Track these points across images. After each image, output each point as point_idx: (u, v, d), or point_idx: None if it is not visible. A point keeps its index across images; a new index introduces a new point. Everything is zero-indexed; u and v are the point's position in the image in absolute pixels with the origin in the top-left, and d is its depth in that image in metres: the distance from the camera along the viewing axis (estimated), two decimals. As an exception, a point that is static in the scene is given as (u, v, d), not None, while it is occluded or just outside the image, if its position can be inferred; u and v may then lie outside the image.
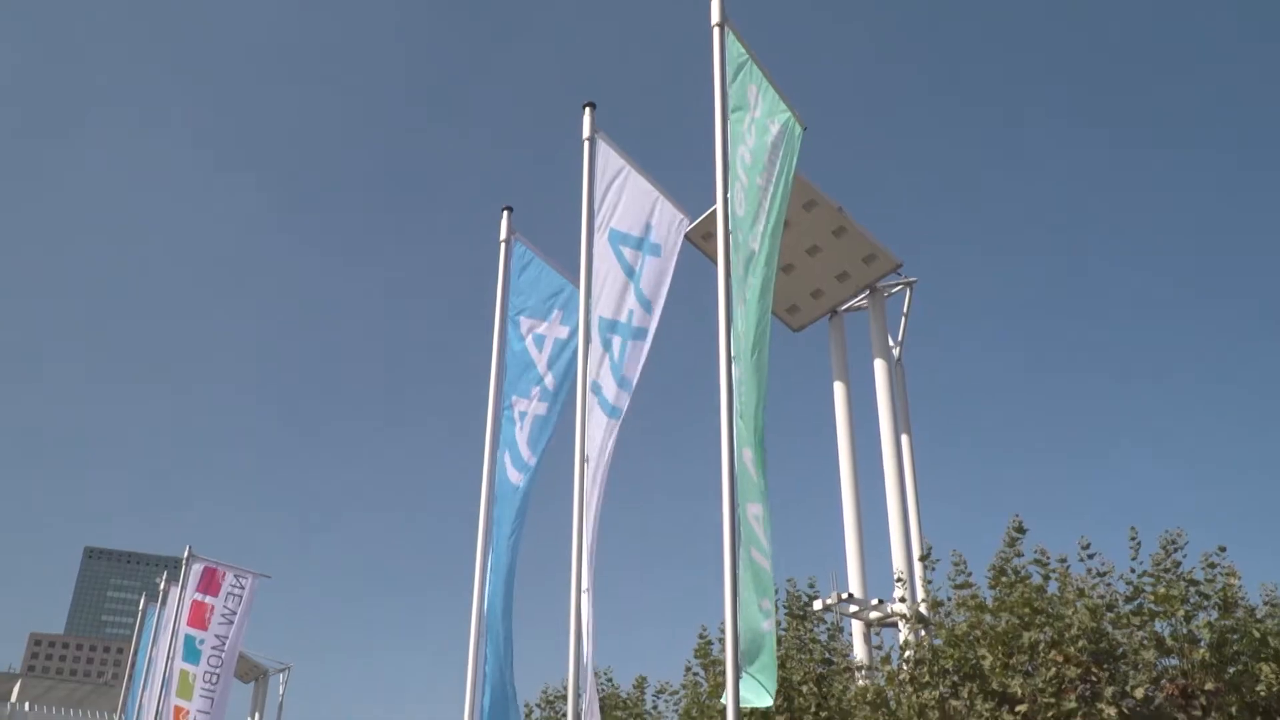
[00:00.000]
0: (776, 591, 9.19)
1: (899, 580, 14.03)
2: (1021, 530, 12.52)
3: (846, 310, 16.17)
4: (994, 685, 11.36)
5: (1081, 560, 12.10)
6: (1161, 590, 10.97)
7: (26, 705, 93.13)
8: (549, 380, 10.57)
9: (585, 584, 9.19)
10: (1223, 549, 11.25)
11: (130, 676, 23.27)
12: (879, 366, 15.16)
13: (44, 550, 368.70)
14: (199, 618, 19.26)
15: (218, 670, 19.18)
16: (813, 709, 15.65)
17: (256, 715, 56.77)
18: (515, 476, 10.64)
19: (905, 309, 15.73)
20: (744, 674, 7.75)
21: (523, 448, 10.62)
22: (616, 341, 9.59)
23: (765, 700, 7.43)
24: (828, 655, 16.80)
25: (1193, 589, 11.01)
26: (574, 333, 10.36)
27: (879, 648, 14.15)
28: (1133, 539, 11.55)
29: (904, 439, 14.98)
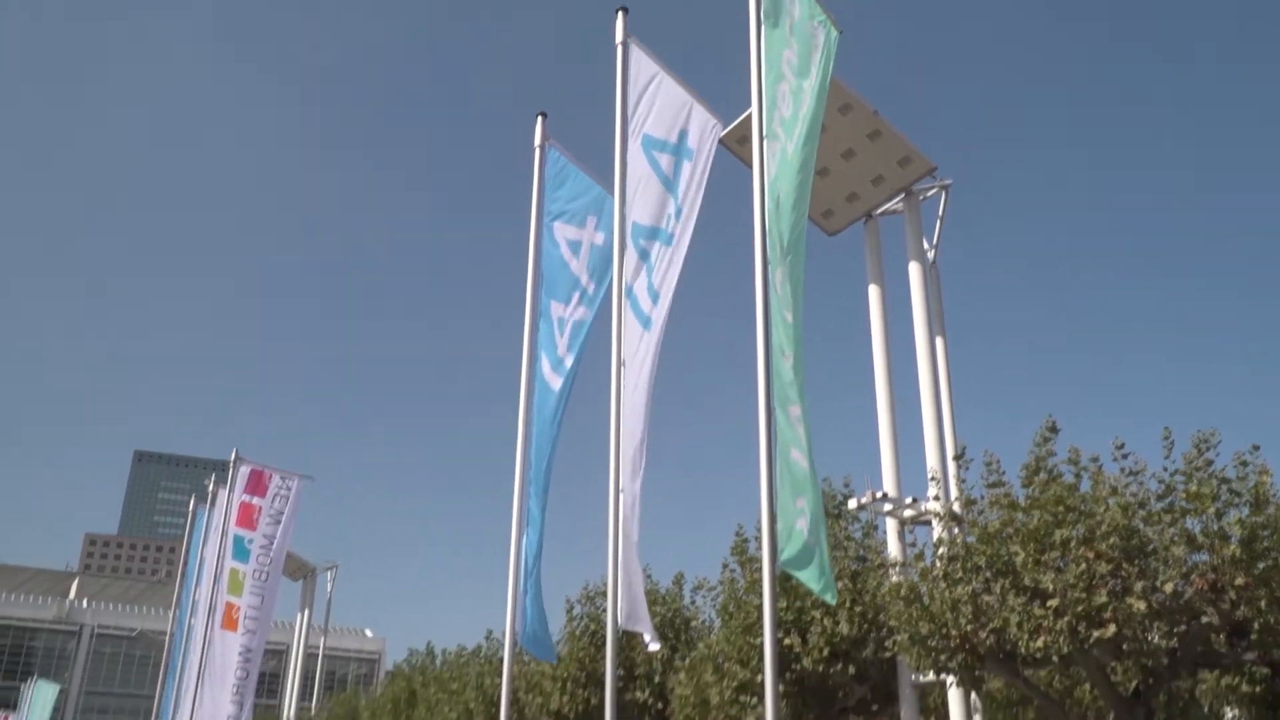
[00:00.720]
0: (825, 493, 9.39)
1: (933, 480, 14.20)
2: (1055, 430, 12.59)
3: (881, 214, 16.06)
4: (1026, 581, 11.57)
5: (1115, 460, 12.18)
6: (1193, 488, 11.06)
7: (85, 601, 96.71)
8: (587, 286, 10.67)
9: (624, 484, 9.42)
10: (1256, 448, 11.29)
11: (183, 574, 24.11)
12: (913, 270, 15.10)
13: (95, 454, 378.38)
14: (247, 518, 19.86)
15: (266, 568, 19.84)
16: (848, 604, 16.01)
17: (306, 611, 58.72)
18: (553, 380, 10.82)
19: (940, 212, 15.60)
20: (795, 575, 7.98)
21: (560, 352, 10.77)
22: (651, 248, 9.64)
23: (829, 598, 7.73)
24: (862, 553, 17.12)
25: (1224, 487, 11.08)
26: (609, 239, 10.41)
27: (913, 545, 14.41)
28: (1166, 439, 11.60)
29: (938, 342, 15.01)
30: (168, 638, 23.65)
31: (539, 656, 10.69)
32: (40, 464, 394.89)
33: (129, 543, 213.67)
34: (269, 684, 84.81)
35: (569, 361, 10.67)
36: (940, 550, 12.80)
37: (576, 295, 10.74)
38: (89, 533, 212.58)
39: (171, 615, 24.34)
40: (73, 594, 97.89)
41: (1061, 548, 11.46)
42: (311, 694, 51.91)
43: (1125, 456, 12.03)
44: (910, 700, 14.19)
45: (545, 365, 10.94)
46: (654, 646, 9.41)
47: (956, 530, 13.07)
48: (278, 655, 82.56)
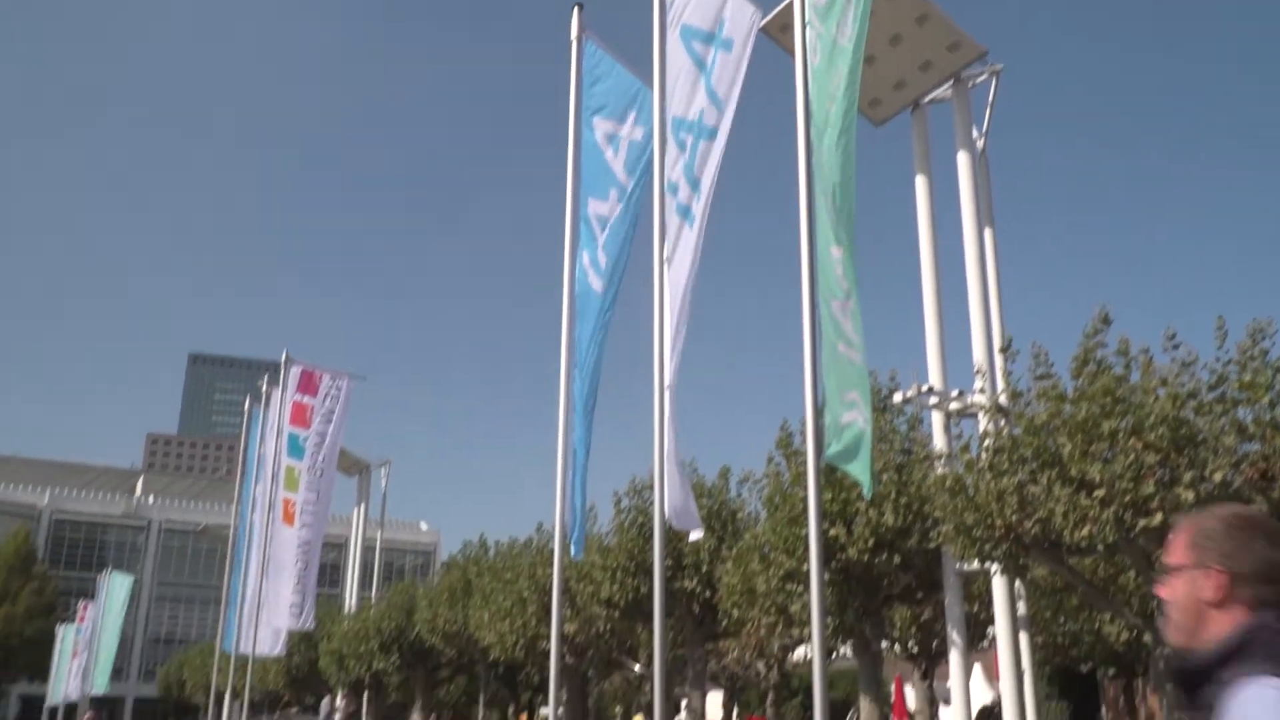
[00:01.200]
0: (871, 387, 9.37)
1: (979, 372, 14.11)
2: (1107, 321, 12.41)
3: (929, 102, 15.60)
4: (1072, 472, 11.56)
5: (1165, 350, 12.01)
6: (1247, 378, 10.90)
7: (151, 498, 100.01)
8: (625, 183, 10.55)
9: (668, 380, 9.47)
10: (1313, 336, 11.07)
11: (242, 472, 24.79)
12: (962, 159, 14.74)
13: (152, 357, 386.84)
14: (300, 417, 20.28)
15: (320, 465, 20.33)
16: (892, 495, 16.13)
17: (362, 505, 60.35)
18: (595, 280, 10.80)
19: (990, 99, 15.12)
20: (844, 469, 8.05)
21: (600, 251, 10.72)
22: (692, 141, 9.49)
23: (865, 490, 7.79)
24: (907, 445, 17.16)
25: (1279, 376, 10.91)
26: (649, 135, 10.25)
27: (958, 438, 14.39)
28: (1219, 328, 11.39)
29: (986, 233, 14.74)
30: (231, 532, 24.46)
31: (573, 556, 10.92)
32: (102, 367, 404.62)
33: (189, 441, 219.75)
34: (330, 575, 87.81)
35: (609, 261, 10.62)
36: (986, 442, 12.79)
37: (615, 192, 10.63)
38: (150, 432, 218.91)
39: (233, 511, 25.12)
40: (139, 491, 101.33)
41: (1109, 439, 11.40)
42: (371, 584, 53.71)
43: (1176, 347, 11.86)
44: (954, 588, 14.36)
45: (586, 265, 10.90)
46: (696, 535, 9.56)
47: (1003, 423, 13.03)
48: (337, 548, 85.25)
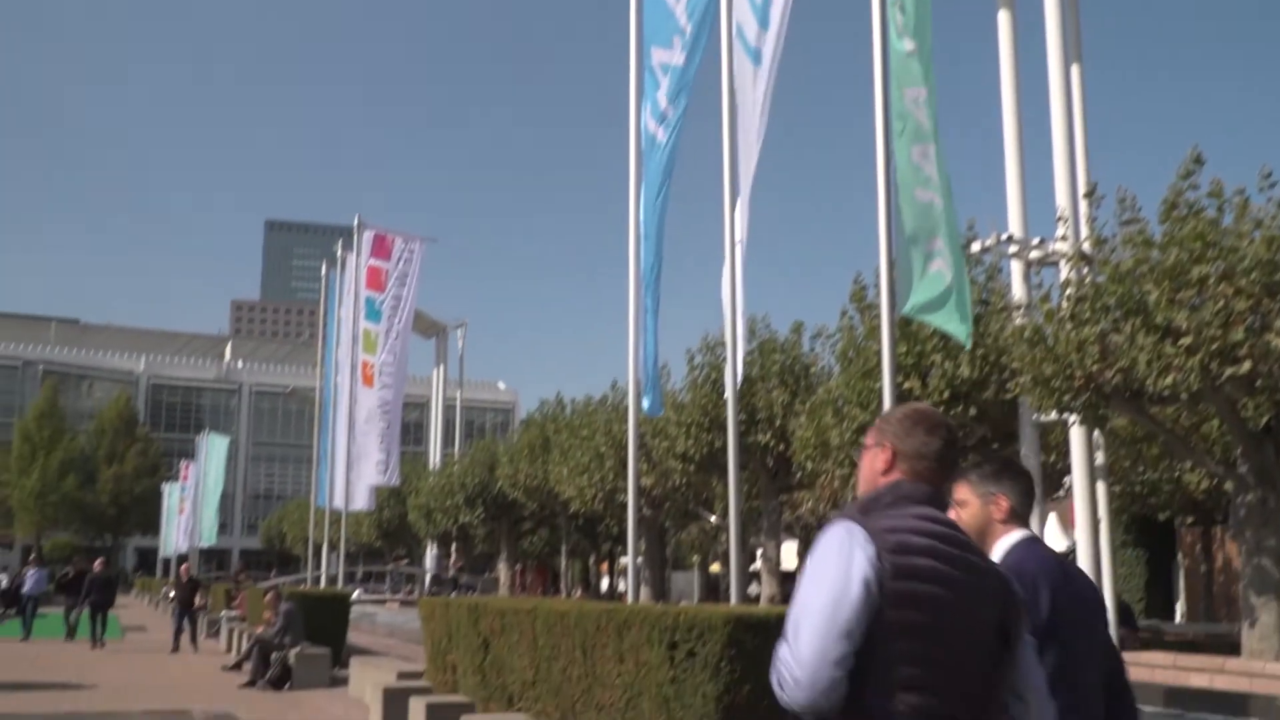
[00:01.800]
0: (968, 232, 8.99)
1: (1061, 219, 13.64)
2: (1199, 162, 11.84)
3: (1015, -73, 14.68)
4: (1157, 320, 11.24)
5: (1261, 190, 11.47)
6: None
7: (240, 362, 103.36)
8: (686, 28, 10.15)
9: (739, 234, 9.32)
10: None
11: (323, 336, 25.36)
12: (1049, -11, 13.92)
13: (232, 225, 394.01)
14: (375, 280, 20.53)
15: (397, 327, 20.64)
16: (968, 347, 15.91)
17: (441, 366, 61.68)
18: (658, 131, 10.55)
19: (1081, -79, 14.17)
20: (928, 320, 7.86)
21: (663, 102, 10.43)
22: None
23: (965, 340, 7.61)
24: (985, 296, 16.81)
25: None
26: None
27: (1038, 287, 14.03)
28: (1321, 165, 10.81)
29: (1074, 70, 13.99)
30: (317, 393, 25.20)
31: (648, 412, 11.00)
32: (184, 238, 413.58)
33: (271, 306, 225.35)
34: (414, 434, 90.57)
35: (674, 112, 10.32)
36: (1068, 291, 12.46)
37: (678, 39, 10.26)
38: (235, 299, 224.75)
39: (318, 373, 25.83)
40: (228, 356, 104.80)
41: (1198, 285, 11.03)
42: (453, 442, 55.30)
43: (1272, 187, 11.32)
44: (1031, 439, 14.25)
45: (649, 116, 10.64)
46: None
47: (1085, 270, 12.65)
48: (419, 408, 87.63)
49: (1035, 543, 2.72)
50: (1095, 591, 2.82)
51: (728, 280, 9.39)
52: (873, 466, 2.36)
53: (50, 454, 68.75)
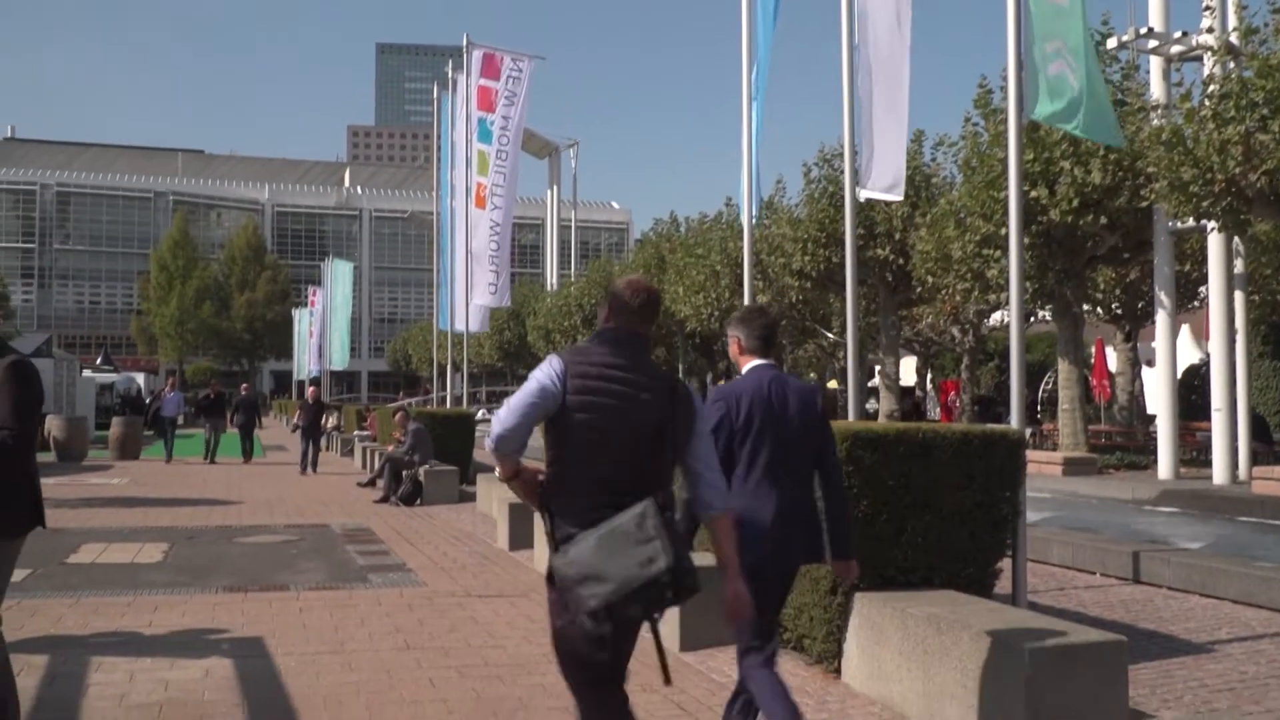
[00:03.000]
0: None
1: (1206, 9, 12.64)
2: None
3: None
4: (1310, 116, 10.49)
5: None
6: None
7: (359, 188, 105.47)
8: None
9: (855, 38, 8.93)
10: None
11: (438, 159, 25.50)
12: None
13: (342, 49, 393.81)
14: (486, 101, 20.38)
15: (507, 148, 20.58)
16: (1100, 153, 15.14)
17: (554, 187, 61.78)
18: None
19: None
20: (1063, 128, 7.48)
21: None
22: None
23: (1115, 142, 7.48)
24: (1120, 96, 15.89)
25: None
26: None
27: (1178, 85, 13.18)
28: None
29: None
30: (434, 218, 25.58)
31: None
32: (297, 64, 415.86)
33: (386, 132, 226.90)
34: (530, 256, 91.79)
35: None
36: (1211, 88, 11.67)
37: None
38: (350, 125, 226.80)
39: (434, 197, 26.14)
40: (347, 182, 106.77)
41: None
42: (569, 264, 55.93)
43: None
44: (1165, 248, 13.71)
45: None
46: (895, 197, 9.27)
47: (1232, 64, 11.80)
48: (534, 230, 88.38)
49: (757, 369, 3.88)
50: (786, 399, 3.82)
51: (845, 86, 9.05)
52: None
53: (186, 282, 72.15)
